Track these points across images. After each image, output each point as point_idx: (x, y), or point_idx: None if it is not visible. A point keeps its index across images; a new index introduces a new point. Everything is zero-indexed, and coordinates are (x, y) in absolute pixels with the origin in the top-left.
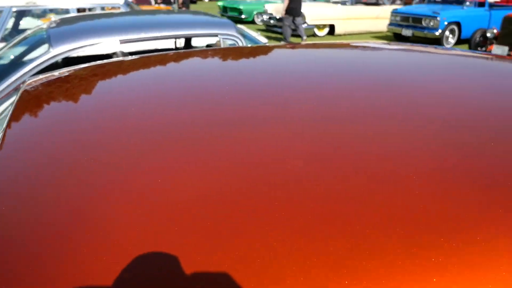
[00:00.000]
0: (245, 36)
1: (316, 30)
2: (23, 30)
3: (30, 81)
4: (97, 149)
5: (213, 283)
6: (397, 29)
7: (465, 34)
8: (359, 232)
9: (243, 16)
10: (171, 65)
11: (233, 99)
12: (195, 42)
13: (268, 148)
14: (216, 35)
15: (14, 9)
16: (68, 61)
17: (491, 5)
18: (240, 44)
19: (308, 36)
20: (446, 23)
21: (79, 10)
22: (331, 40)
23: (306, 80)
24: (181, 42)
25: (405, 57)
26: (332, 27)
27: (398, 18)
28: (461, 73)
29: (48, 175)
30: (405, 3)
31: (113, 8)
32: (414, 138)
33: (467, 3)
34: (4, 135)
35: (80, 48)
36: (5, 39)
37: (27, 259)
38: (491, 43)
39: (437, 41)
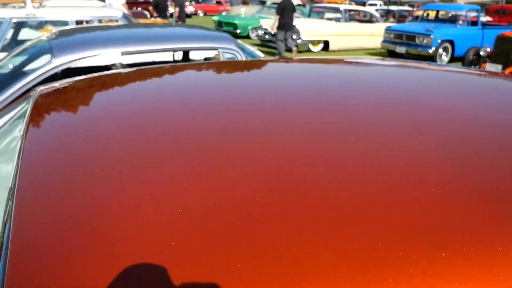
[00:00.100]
0: (243, 50)
1: (310, 46)
2: (22, 41)
3: (41, 89)
4: (115, 153)
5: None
6: (391, 46)
7: (459, 52)
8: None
9: (238, 31)
10: (182, 76)
11: (236, 111)
12: (193, 55)
13: (269, 157)
14: (216, 49)
15: (14, 20)
16: (69, 72)
17: (484, 24)
18: (239, 58)
19: (302, 52)
20: (439, 41)
21: (77, 23)
22: (327, 56)
23: (305, 93)
24: (179, 55)
25: (403, 72)
26: (326, 43)
27: (392, 36)
28: (461, 88)
29: (74, 176)
30: (398, 21)
31: (110, 20)
32: (410, 147)
33: (460, 21)
34: (24, 140)
35: (82, 59)
36: (4, 49)
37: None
38: (485, 61)
39: (431, 59)
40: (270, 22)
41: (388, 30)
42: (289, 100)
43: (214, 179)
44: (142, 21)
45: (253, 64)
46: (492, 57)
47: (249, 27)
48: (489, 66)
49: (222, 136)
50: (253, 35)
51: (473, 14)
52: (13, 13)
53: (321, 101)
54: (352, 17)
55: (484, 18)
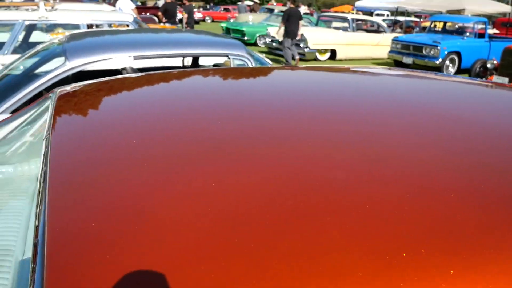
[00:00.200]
0: (253, 57)
1: (317, 54)
2: (32, 43)
3: (61, 90)
4: (141, 154)
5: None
6: (397, 57)
7: (465, 64)
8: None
9: (245, 38)
10: (199, 80)
11: (248, 116)
12: (202, 61)
13: (283, 161)
14: (227, 55)
15: (26, 23)
16: (79, 75)
17: (491, 37)
18: (250, 65)
19: (310, 60)
20: (446, 52)
21: (88, 27)
22: (334, 64)
23: (314, 100)
24: (188, 61)
25: (410, 81)
26: (333, 52)
27: (399, 46)
28: (467, 97)
29: (103, 176)
30: (405, 32)
31: (121, 25)
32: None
33: (467, 33)
34: (49, 141)
35: (94, 62)
36: (15, 51)
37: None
38: (491, 74)
39: (438, 70)
40: (277, 30)
41: (395, 40)
42: (301, 106)
43: (232, 182)
44: (151, 26)
45: (264, 71)
46: (499, 70)
47: (257, 35)
48: (496, 79)
49: (237, 141)
50: (260, 42)
51: (480, 26)
52: (26, 16)
53: (330, 108)
54: (359, 26)
55: (491, 31)
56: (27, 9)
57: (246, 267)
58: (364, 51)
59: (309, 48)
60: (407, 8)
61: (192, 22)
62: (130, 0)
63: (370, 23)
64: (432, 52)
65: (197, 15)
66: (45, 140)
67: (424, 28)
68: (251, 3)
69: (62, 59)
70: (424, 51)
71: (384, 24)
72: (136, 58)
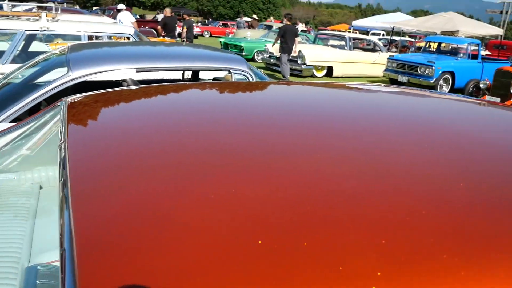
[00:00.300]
0: (254, 72)
1: (314, 71)
2: (31, 53)
3: (70, 99)
4: (158, 157)
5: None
6: (393, 75)
7: (459, 83)
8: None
9: (244, 54)
10: (206, 92)
11: (257, 128)
12: (202, 75)
13: (305, 170)
14: (228, 70)
15: (27, 33)
16: (79, 86)
17: (484, 58)
18: (251, 80)
19: (307, 76)
20: (440, 72)
21: (89, 38)
22: (333, 81)
23: (316, 115)
24: (188, 74)
25: (407, 98)
26: (330, 69)
27: (394, 65)
28: (458, 112)
29: (125, 181)
30: (400, 51)
31: (121, 38)
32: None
33: (461, 54)
34: (66, 148)
35: (97, 73)
36: (14, 60)
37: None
38: (484, 94)
39: (432, 89)
40: (276, 47)
41: (390, 59)
42: (305, 120)
43: (243, 190)
44: (153, 39)
45: (268, 85)
46: (491, 90)
47: (255, 50)
48: (488, 99)
49: (247, 150)
50: (258, 58)
51: (473, 47)
52: (27, 26)
53: (330, 121)
54: (355, 45)
55: (484, 52)
56: (28, 19)
57: (261, 268)
58: (360, 69)
59: (306, 65)
60: (402, 28)
61: (191, 37)
62: (130, 13)
63: (366, 42)
64: (426, 72)
65: (196, 30)
66: (60, 147)
67: (419, 48)
68: (249, 19)
69: (65, 69)
70: (419, 70)
71: (380, 43)
72: (138, 70)
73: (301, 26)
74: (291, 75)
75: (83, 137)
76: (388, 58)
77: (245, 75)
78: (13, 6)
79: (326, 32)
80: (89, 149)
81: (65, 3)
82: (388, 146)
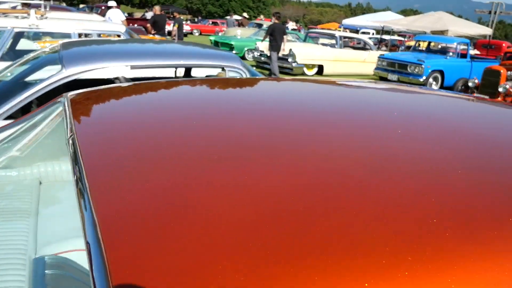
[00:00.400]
0: (248, 69)
1: (305, 69)
2: (19, 51)
3: (71, 94)
4: (169, 150)
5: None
6: (383, 73)
7: (448, 82)
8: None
9: (234, 52)
10: (196, 89)
11: (258, 122)
12: (194, 73)
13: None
14: (222, 67)
15: (16, 30)
16: (72, 84)
17: (472, 57)
18: (245, 77)
19: (297, 75)
20: (430, 70)
21: (79, 36)
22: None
23: (306, 111)
24: (180, 72)
25: (399, 93)
26: (321, 68)
27: (384, 63)
28: (448, 107)
29: (141, 174)
30: (390, 50)
31: (110, 35)
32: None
33: (450, 53)
34: (76, 143)
35: (91, 70)
36: (2, 58)
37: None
38: (473, 92)
39: None
40: (266, 45)
41: (381, 58)
42: (304, 113)
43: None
44: (143, 37)
45: (265, 81)
46: (479, 89)
47: (245, 49)
48: None
49: (255, 143)
50: (248, 56)
51: (462, 47)
52: (16, 23)
53: (328, 115)
54: (346, 43)
55: (472, 51)
56: (17, 17)
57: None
58: (351, 67)
59: (297, 63)
60: (392, 27)
61: (181, 35)
62: (120, 11)
63: (356, 40)
64: (416, 70)
65: (185, 28)
66: (69, 142)
67: (408, 47)
68: (239, 17)
69: (58, 66)
70: (408, 69)
71: (370, 42)
72: (133, 67)
73: (291, 25)
74: (282, 73)
75: (92, 130)
76: (378, 57)
77: (239, 73)
78: None
79: (317, 30)
80: (101, 142)
81: (51, 1)
82: (384, 138)
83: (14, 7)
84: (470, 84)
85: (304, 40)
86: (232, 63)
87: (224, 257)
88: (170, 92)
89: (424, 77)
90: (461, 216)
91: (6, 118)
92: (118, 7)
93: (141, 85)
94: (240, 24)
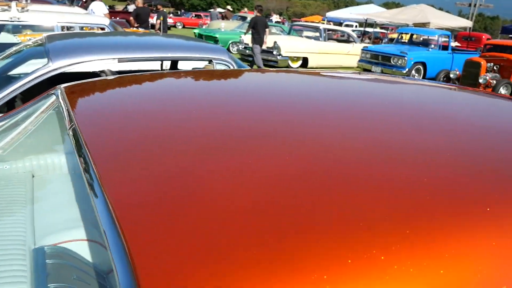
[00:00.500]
0: (236, 61)
1: (290, 62)
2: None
3: (65, 86)
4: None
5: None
6: (367, 65)
7: (430, 73)
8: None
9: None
10: (193, 80)
11: (253, 113)
12: (180, 66)
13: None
14: (210, 60)
15: None
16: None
17: (454, 49)
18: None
19: (282, 67)
20: (413, 62)
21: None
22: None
23: (298, 100)
24: (167, 65)
25: (386, 83)
26: (305, 60)
27: (368, 56)
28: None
29: (150, 161)
30: (373, 42)
31: (92, 28)
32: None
33: (432, 45)
34: (79, 134)
35: (78, 64)
36: None
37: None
38: (454, 83)
39: None
40: (249, 37)
41: (364, 50)
42: (294, 104)
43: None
44: (127, 30)
45: (254, 72)
46: (460, 80)
47: (230, 41)
48: None
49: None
50: (233, 49)
51: (444, 39)
52: None
53: (320, 106)
54: (330, 36)
55: (453, 44)
56: None
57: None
58: (335, 59)
59: (282, 56)
60: (375, 20)
61: (166, 28)
62: (103, 3)
63: (340, 33)
64: (399, 62)
65: (168, 21)
66: (69, 133)
67: (391, 40)
68: (223, 10)
69: (44, 60)
70: (392, 61)
71: (354, 35)
72: (120, 60)
73: (275, 18)
74: (266, 66)
75: (94, 120)
76: (362, 49)
77: (226, 65)
78: None
79: (301, 23)
80: (104, 131)
81: None
82: (375, 125)
83: None
84: (451, 75)
85: (289, 33)
86: (219, 56)
87: (237, 234)
88: (166, 82)
89: (407, 69)
90: (452, 196)
91: None
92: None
93: (135, 77)
94: (224, 17)
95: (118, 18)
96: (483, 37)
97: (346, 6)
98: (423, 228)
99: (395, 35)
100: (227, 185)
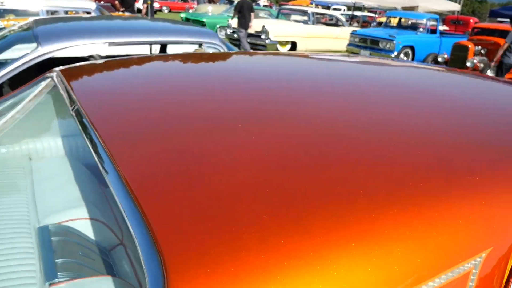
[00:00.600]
0: (226, 45)
1: (278, 46)
2: None
3: (60, 69)
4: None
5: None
6: (355, 49)
7: (418, 57)
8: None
9: None
10: (177, 64)
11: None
12: (170, 50)
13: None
14: (201, 43)
15: None
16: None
17: (442, 33)
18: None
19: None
20: (401, 46)
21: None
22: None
23: (295, 79)
24: (156, 49)
25: (377, 65)
26: (294, 44)
27: (356, 39)
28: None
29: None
30: (362, 26)
31: (77, 12)
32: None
33: (421, 29)
34: (81, 112)
35: (68, 48)
36: None
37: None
38: None
39: None
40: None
41: (353, 34)
42: (290, 83)
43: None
44: (114, 14)
45: (244, 55)
46: (449, 63)
47: (217, 26)
48: None
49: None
50: (221, 33)
51: (432, 22)
52: None
53: (315, 85)
54: (318, 20)
55: (442, 27)
56: None
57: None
58: (324, 43)
59: (271, 40)
60: (364, 3)
61: (152, 12)
62: None
63: (328, 17)
64: (388, 46)
65: (155, 4)
66: (73, 113)
67: (380, 23)
68: None
69: (33, 45)
70: (380, 45)
71: (343, 18)
72: (111, 44)
73: (263, 1)
74: (255, 50)
75: (97, 101)
76: (351, 33)
77: (217, 48)
78: None
79: (289, 7)
80: (109, 110)
81: None
82: (368, 100)
83: None
84: (439, 59)
85: (277, 17)
86: (210, 39)
87: (250, 198)
88: (164, 64)
89: (395, 53)
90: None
91: None
92: None
93: (131, 60)
94: (211, 0)
95: (102, 2)
96: (471, 20)
97: None
98: (416, 196)
99: (383, 19)
100: (231, 157)
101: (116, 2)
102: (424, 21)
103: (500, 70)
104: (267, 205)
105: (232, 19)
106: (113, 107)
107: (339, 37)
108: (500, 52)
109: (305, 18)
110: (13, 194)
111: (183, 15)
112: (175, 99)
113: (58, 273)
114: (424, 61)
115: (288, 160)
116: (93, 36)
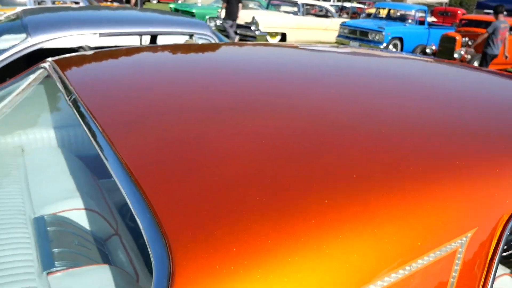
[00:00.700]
0: (217, 36)
1: (268, 37)
2: None
3: (54, 59)
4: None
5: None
6: (345, 41)
7: (407, 48)
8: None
9: None
10: (171, 54)
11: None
12: (160, 40)
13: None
14: (192, 34)
15: None
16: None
17: (430, 24)
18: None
19: None
20: (390, 37)
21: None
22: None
23: (289, 70)
24: (146, 40)
25: (367, 55)
26: (284, 35)
27: (346, 31)
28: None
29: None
30: (351, 17)
31: (64, 2)
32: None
33: (409, 20)
34: (79, 102)
35: (58, 38)
36: None
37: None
38: None
39: None
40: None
41: (343, 25)
42: (285, 72)
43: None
44: (103, 5)
45: (235, 46)
46: (437, 54)
47: (207, 17)
48: None
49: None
50: (211, 24)
51: (420, 14)
52: None
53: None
54: (308, 11)
55: (430, 19)
56: None
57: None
58: (313, 35)
59: (260, 31)
60: None
61: (141, 3)
62: None
63: (318, 8)
64: (377, 37)
65: None
66: (70, 103)
67: (369, 15)
68: None
69: (22, 35)
70: (369, 36)
71: (332, 10)
72: (101, 35)
73: None
74: (245, 41)
75: (94, 90)
76: (340, 25)
77: (208, 39)
78: None
79: None
80: (107, 99)
81: None
82: (361, 90)
83: None
84: (427, 50)
85: (267, 8)
86: (201, 30)
87: (251, 181)
88: (157, 54)
89: (384, 44)
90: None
91: None
92: None
93: (125, 50)
94: None
95: None
96: (459, 12)
97: None
98: (405, 179)
99: (372, 10)
100: (230, 142)
101: None
102: (412, 12)
103: (485, 60)
104: (266, 188)
105: (222, 9)
106: (110, 96)
107: (329, 29)
108: (479, 40)
109: (295, 9)
110: (7, 185)
111: (172, 5)
112: (171, 88)
113: (55, 262)
114: (412, 52)
115: (286, 148)
116: (83, 27)
